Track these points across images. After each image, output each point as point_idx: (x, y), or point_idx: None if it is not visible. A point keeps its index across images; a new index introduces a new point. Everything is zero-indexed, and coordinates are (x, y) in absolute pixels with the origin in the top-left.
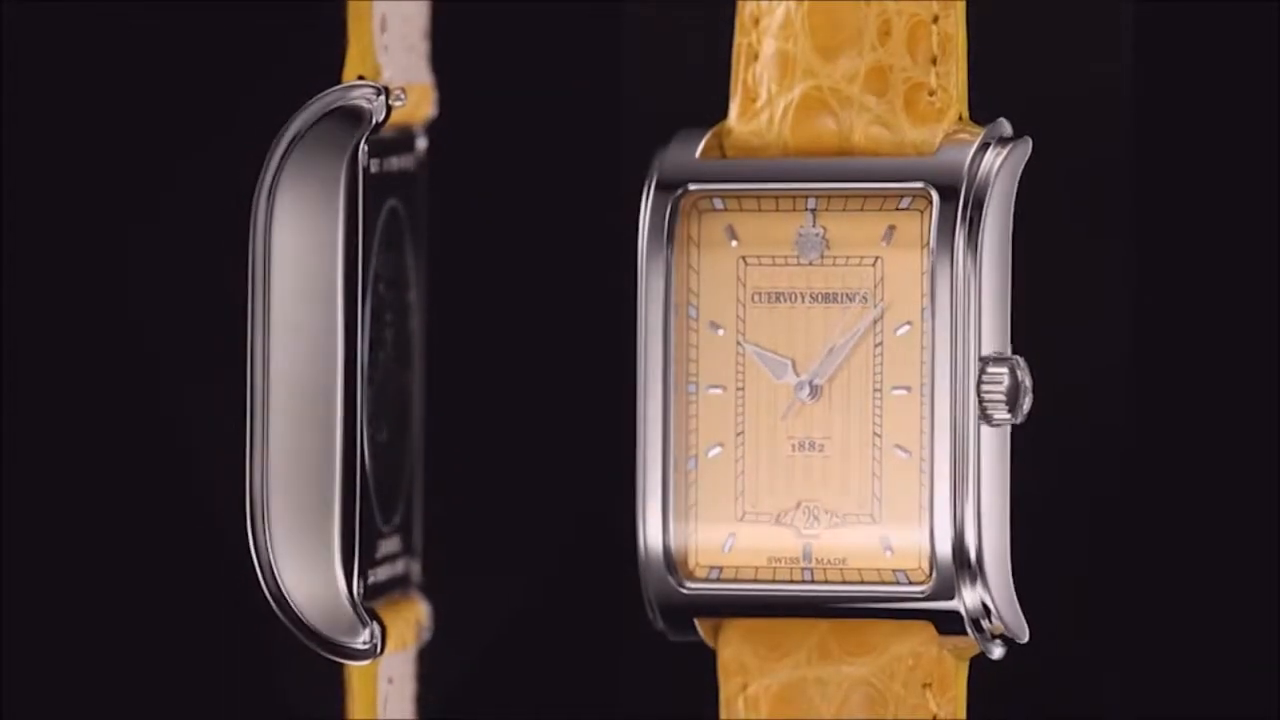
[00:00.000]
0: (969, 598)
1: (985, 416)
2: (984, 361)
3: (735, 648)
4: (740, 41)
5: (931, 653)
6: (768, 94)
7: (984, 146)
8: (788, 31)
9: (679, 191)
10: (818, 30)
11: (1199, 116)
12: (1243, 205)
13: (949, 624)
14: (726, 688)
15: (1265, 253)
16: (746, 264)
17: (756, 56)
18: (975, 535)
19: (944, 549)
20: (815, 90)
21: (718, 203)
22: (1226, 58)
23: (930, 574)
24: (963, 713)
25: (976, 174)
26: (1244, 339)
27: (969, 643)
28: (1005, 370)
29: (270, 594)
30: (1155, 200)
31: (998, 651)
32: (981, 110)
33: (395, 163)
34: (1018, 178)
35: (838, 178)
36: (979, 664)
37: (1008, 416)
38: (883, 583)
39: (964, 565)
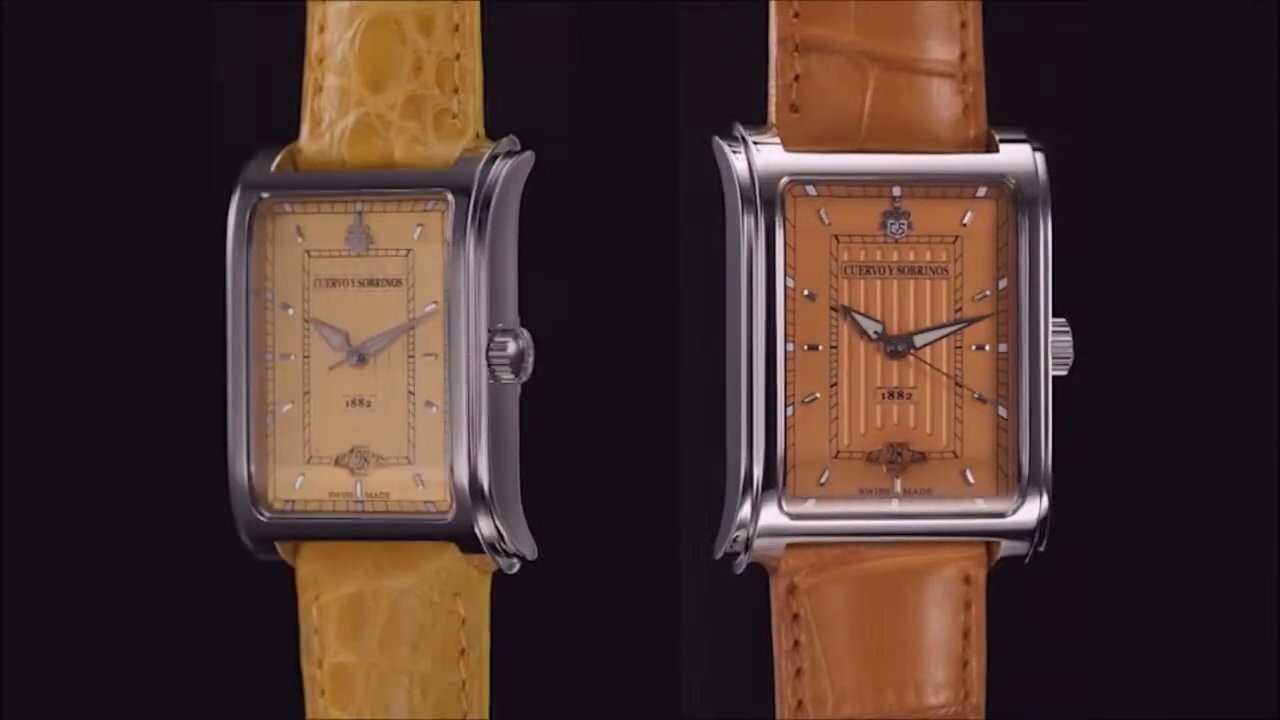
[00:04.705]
0: (484, 525)
1: (494, 376)
2: (492, 332)
3: (309, 566)
4: (308, 76)
5: (459, 568)
6: (329, 120)
7: (493, 158)
8: (343, 68)
9: (256, 198)
10: (365, 67)
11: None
12: None
13: (469, 544)
14: (303, 598)
15: None
16: (310, 256)
17: (320, 89)
18: (486, 473)
19: (461, 484)
20: (365, 116)
21: (286, 206)
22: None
23: (452, 504)
24: (487, 617)
25: (485, 180)
26: None
27: (486, 560)
28: (509, 339)
29: None
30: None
31: (514, 567)
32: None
33: None
34: (522, 182)
35: (378, 185)
36: (501, 576)
37: (513, 377)
38: (417, 512)
39: (478, 497)
